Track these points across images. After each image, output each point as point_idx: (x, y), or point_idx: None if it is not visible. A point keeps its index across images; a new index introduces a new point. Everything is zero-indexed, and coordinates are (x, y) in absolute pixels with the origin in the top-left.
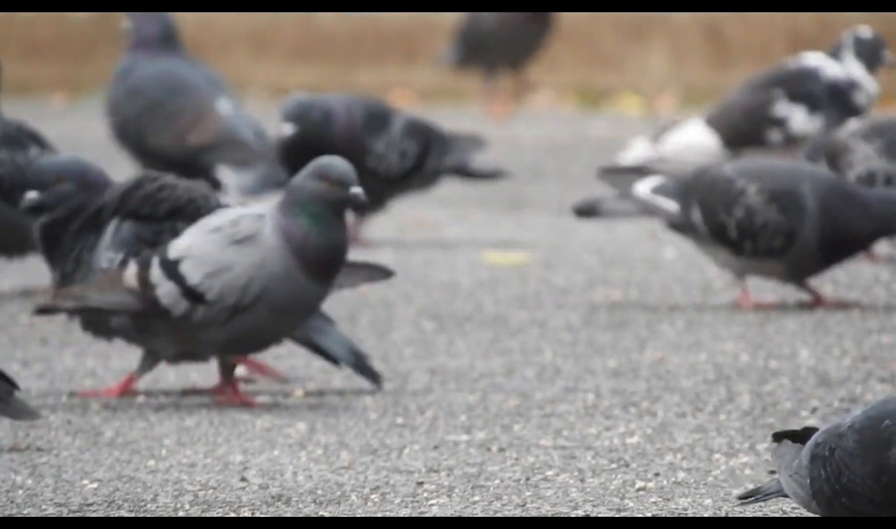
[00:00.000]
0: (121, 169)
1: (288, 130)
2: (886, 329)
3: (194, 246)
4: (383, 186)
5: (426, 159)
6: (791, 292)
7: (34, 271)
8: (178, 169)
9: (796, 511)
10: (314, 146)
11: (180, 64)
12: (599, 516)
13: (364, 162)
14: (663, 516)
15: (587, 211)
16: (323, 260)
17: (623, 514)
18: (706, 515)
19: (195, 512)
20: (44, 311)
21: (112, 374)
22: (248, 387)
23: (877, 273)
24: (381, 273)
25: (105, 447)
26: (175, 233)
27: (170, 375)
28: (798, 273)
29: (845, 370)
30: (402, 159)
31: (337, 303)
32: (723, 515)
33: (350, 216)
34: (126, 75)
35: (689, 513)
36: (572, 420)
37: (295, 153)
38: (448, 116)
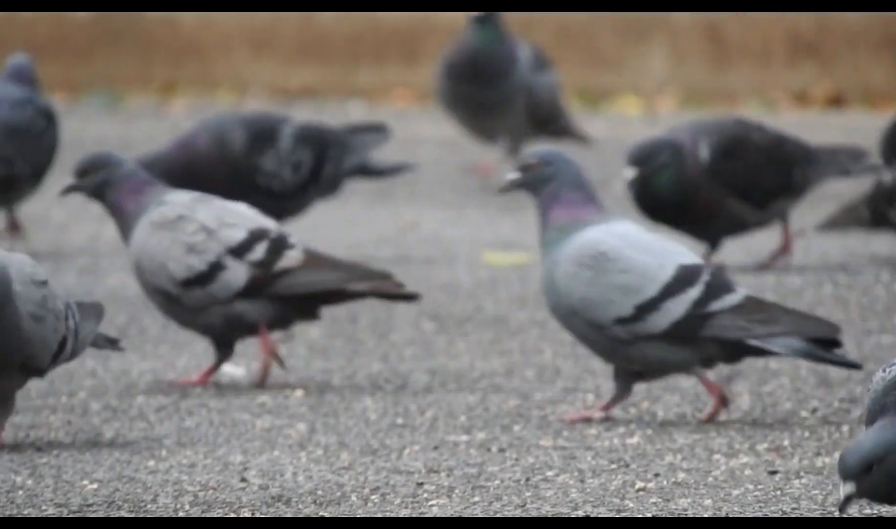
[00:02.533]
0: None
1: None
2: (886, 329)
3: None
4: (280, 203)
5: (323, 166)
6: (790, 291)
7: None
8: None
9: (796, 511)
10: (205, 172)
11: None
12: (599, 516)
13: (256, 182)
14: (663, 516)
15: None
16: None
17: (623, 515)
18: (706, 515)
19: (195, 513)
20: None
21: (112, 374)
22: (248, 389)
23: (877, 273)
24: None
25: (105, 447)
26: None
27: (170, 375)
28: None
29: (845, 370)
30: (296, 172)
31: None
32: (723, 515)
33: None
34: None
35: (689, 514)
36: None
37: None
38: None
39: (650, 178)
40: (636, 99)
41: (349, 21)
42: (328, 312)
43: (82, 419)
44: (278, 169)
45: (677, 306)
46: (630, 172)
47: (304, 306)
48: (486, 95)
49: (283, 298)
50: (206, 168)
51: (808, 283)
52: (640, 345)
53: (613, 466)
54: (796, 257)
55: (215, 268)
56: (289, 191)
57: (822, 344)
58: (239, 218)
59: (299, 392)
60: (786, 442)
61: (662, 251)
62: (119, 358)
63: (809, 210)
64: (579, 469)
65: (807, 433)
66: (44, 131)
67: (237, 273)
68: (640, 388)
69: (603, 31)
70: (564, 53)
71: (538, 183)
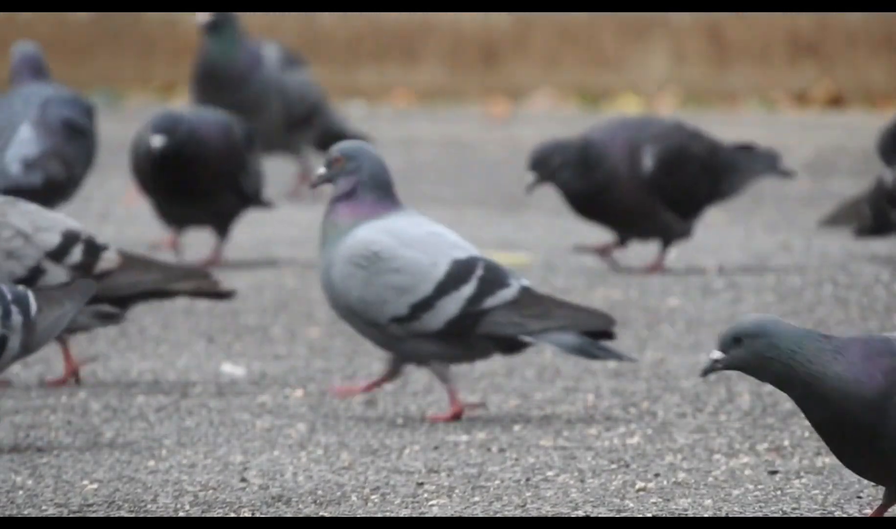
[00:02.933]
0: (115, 174)
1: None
2: (886, 329)
3: None
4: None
5: None
6: (790, 291)
7: None
8: None
9: (796, 511)
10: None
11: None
12: (599, 516)
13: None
14: (663, 516)
15: None
16: None
17: (623, 515)
18: (706, 515)
19: (195, 513)
20: None
21: (112, 375)
22: (248, 389)
23: (877, 273)
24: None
25: (105, 447)
26: None
27: (170, 375)
28: None
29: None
30: None
31: None
32: (723, 515)
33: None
34: None
35: (689, 514)
36: (572, 421)
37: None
38: (448, 116)
39: (551, 180)
40: (636, 99)
41: (349, 21)
42: (328, 312)
43: (82, 419)
44: None
45: (451, 305)
46: (528, 177)
47: (121, 306)
48: (236, 100)
49: (103, 300)
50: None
51: (808, 283)
52: (417, 341)
53: (613, 466)
54: (796, 257)
55: (35, 273)
56: None
57: (598, 336)
58: (50, 221)
59: (299, 392)
60: (786, 442)
61: (437, 247)
62: (119, 358)
63: (809, 210)
64: (579, 469)
65: (807, 433)
66: (90, 129)
67: (58, 278)
68: (640, 387)
69: (603, 31)
70: (564, 53)
71: (339, 177)
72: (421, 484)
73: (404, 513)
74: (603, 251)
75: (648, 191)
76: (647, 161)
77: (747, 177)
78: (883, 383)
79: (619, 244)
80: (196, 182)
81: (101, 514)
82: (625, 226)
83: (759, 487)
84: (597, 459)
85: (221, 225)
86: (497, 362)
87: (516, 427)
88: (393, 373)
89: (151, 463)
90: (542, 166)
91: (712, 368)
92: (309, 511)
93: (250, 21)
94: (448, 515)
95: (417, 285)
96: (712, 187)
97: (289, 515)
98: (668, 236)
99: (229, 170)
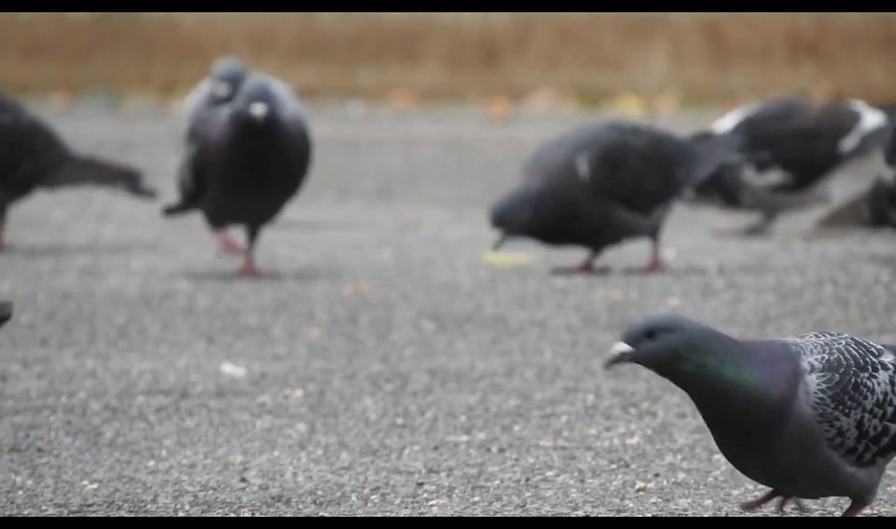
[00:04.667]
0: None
1: None
2: (886, 329)
3: None
4: None
5: None
6: (790, 291)
7: (33, 271)
8: None
9: (796, 511)
10: None
11: None
12: (599, 516)
13: None
14: (663, 516)
15: None
16: None
17: (623, 515)
18: (706, 515)
19: (195, 513)
20: None
21: (112, 374)
22: (248, 389)
23: (877, 273)
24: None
25: (105, 447)
26: None
27: (170, 375)
28: None
29: None
30: None
31: (337, 303)
32: (723, 515)
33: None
34: None
35: (689, 514)
36: (572, 421)
37: None
38: (448, 116)
39: (518, 233)
40: (636, 99)
41: (349, 21)
42: (328, 312)
43: (82, 419)
44: None
45: None
46: (495, 235)
47: None
48: None
49: None
50: None
51: (808, 283)
52: None
53: (613, 466)
54: (797, 256)
55: None
56: None
57: None
58: None
59: (299, 392)
60: None
61: None
62: (119, 358)
63: (809, 210)
64: (579, 469)
65: None
66: None
67: None
68: (639, 387)
69: (603, 31)
70: (564, 53)
71: None
72: (421, 484)
73: (404, 513)
74: (584, 269)
75: (596, 197)
76: (583, 168)
77: (706, 164)
78: (786, 388)
79: (595, 257)
80: (280, 165)
81: (101, 514)
82: (592, 239)
83: (759, 487)
84: (597, 459)
85: (263, 225)
86: (497, 361)
87: (516, 427)
88: None
89: (151, 463)
90: (503, 224)
91: (619, 360)
92: (309, 511)
93: (251, 21)
94: (448, 515)
95: None
96: (665, 178)
97: (289, 515)
98: (636, 234)
99: (303, 161)
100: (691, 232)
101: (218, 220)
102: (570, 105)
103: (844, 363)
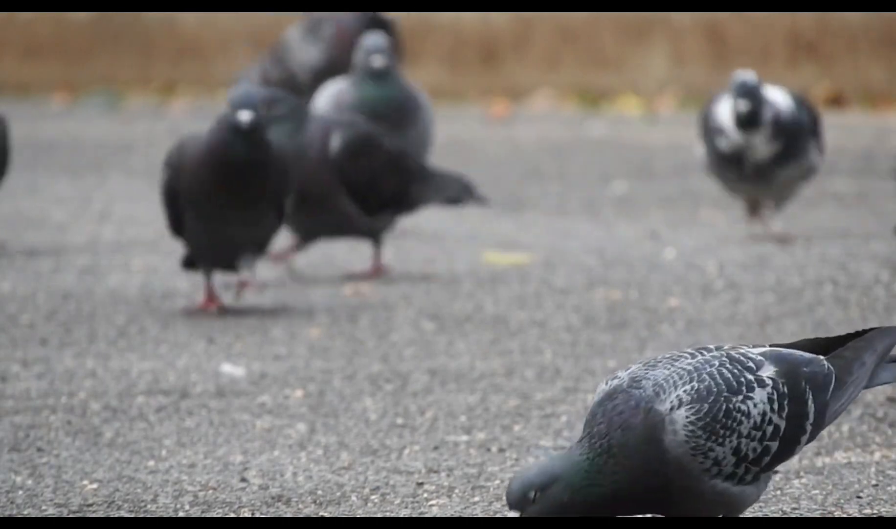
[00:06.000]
0: (115, 174)
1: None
2: None
3: None
4: None
5: None
6: (790, 291)
7: (33, 271)
8: None
9: (796, 511)
10: None
11: None
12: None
13: None
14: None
15: None
16: None
17: None
18: (705, 515)
19: (195, 513)
20: None
21: (112, 374)
22: (248, 389)
23: (877, 273)
24: None
25: (105, 447)
26: None
27: (170, 375)
28: None
29: None
30: None
31: (337, 303)
32: (720, 515)
33: None
34: None
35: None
36: (572, 421)
37: None
38: (448, 116)
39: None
40: (636, 99)
41: None
42: (328, 312)
43: (82, 419)
44: None
45: None
46: None
47: None
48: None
49: None
50: None
51: (807, 283)
52: None
53: None
54: (796, 256)
55: None
56: None
57: None
58: None
59: (299, 392)
60: None
61: None
62: (119, 358)
63: (809, 210)
64: None
65: None
66: None
67: None
68: None
69: (603, 31)
70: (564, 53)
71: None
72: (421, 484)
73: (404, 513)
74: (281, 256)
75: (334, 177)
76: (336, 142)
77: (437, 195)
78: (658, 465)
79: (303, 246)
80: (263, 180)
81: (101, 514)
82: (310, 223)
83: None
84: None
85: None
86: (497, 361)
87: (516, 427)
88: None
89: (151, 463)
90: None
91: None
92: (309, 511)
93: (251, 21)
94: (448, 515)
95: None
96: (399, 189)
97: (289, 515)
98: (353, 232)
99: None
100: (691, 232)
101: (202, 255)
102: (570, 105)
103: (715, 389)
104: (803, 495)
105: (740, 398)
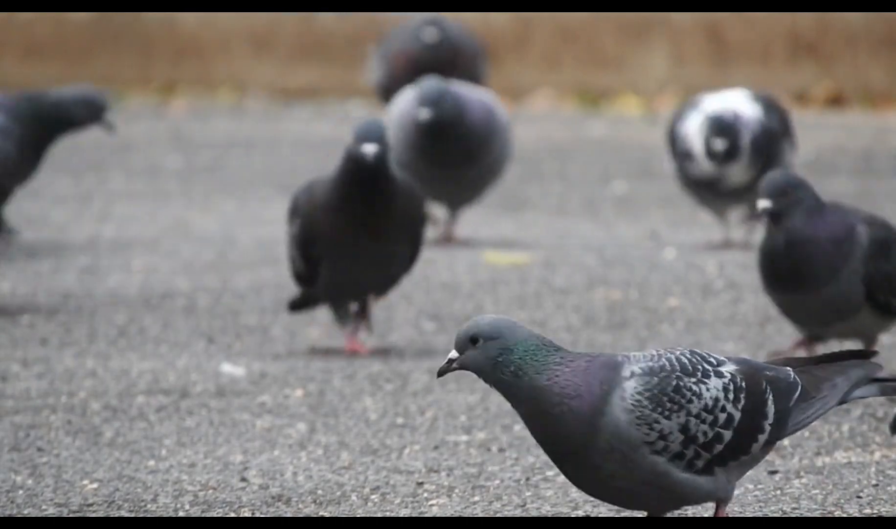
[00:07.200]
0: (115, 174)
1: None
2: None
3: None
4: None
5: None
6: None
7: (33, 271)
8: None
9: (796, 511)
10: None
11: None
12: (599, 516)
13: None
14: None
15: None
16: None
17: (623, 514)
18: (706, 515)
19: (195, 512)
20: None
21: (112, 374)
22: (248, 389)
23: None
24: None
25: (105, 447)
26: None
27: (170, 375)
28: None
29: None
30: None
31: None
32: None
33: None
34: None
35: (689, 513)
36: None
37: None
38: None
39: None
40: (636, 99)
41: (349, 21)
42: (328, 311)
43: (82, 419)
44: None
45: None
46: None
47: None
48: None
49: None
50: None
51: None
52: None
53: None
54: None
55: None
56: None
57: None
58: None
59: (299, 392)
60: (786, 442)
61: None
62: (119, 358)
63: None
64: None
65: (807, 433)
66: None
67: None
68: None
69: (603, 31)
70: (564, 53)
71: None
72: (421, 484)
73: (404, 513)
74: None
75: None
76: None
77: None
78: (599, 397)
79: None
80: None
81: (101, 514)
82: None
83: (759, 487)
84: None
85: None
86: None
87: (516, 427)
88: None
89: (151, 463)
90: None
91: (447, 369)
92: (309, 510)
93: (251, 21)
94: (448, 515)
95: None
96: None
97: (289, 515)
98: None
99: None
100: (691, 232)
101: (337, 298)
102: (570, 105)
103: (669, 367)
104: (803, 495)
105: (693, 380)
